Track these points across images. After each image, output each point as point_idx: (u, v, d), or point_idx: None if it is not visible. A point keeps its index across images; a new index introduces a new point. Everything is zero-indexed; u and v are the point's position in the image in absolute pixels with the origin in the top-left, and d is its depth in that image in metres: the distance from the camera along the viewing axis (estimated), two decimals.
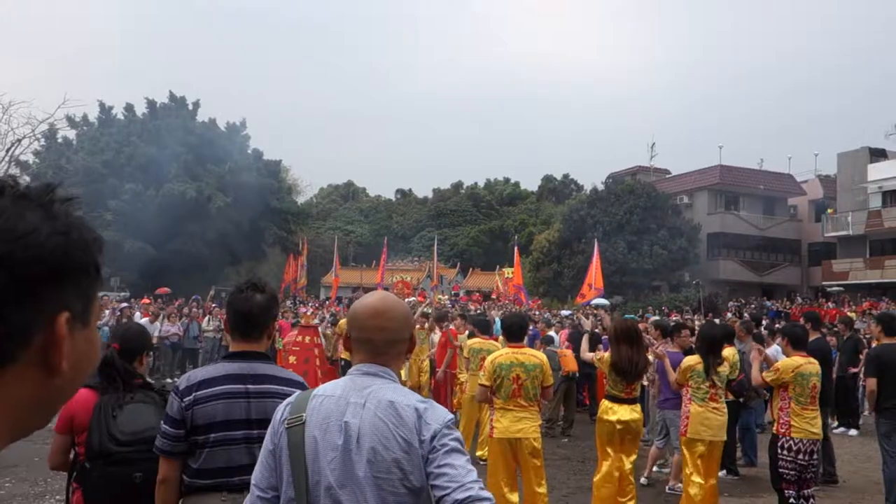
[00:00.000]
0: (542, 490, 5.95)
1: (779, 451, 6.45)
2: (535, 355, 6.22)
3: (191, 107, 45.30)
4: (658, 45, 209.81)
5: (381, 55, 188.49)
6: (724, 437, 6.76)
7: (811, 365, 6.52)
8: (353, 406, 2.03)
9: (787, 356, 6.60)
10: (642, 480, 8.12)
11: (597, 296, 25.52)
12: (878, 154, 40.80)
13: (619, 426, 6.26)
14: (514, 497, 5.96)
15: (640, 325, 15.58)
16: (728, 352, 7.47)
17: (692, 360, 6.81)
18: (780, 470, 6.48)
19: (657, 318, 17.56)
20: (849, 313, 28.08)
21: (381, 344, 2.13)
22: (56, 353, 0.82)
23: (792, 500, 6.42)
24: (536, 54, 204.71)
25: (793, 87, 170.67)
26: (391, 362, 2.15)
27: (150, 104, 44.09)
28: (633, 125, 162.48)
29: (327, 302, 36.99)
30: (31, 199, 0.83)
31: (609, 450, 6.31)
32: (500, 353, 6.22)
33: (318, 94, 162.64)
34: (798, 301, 37.78)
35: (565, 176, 77.23)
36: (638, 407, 6.50)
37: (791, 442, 6.41)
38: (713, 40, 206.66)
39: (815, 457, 6.49)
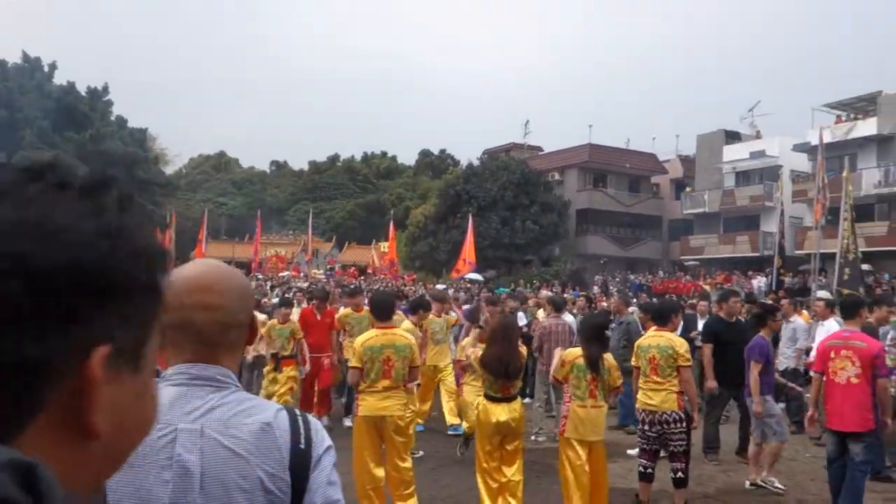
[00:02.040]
0: (406, 465, 6.11)
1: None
2: (404, 335, 6.32)
3: (46, 69, 42.50)
4: (536, 26, 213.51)
5: (258, 24, 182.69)
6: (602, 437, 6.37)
7: (651, 338, 6.84)
8: (185, 435, 1.44)
9: (646, 330, 7.01)
10: (747, 485, 7.59)
11: (470, 270, 25.99)
12: (733, 137, 43.35)
13: (497, 426, 6.00)
14: (380, 472, 6.07)
15: (532, 301, 15.74)
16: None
17: (574, 353, 6.29)
18: (638, 440, 6.88)
19: (550, 293, 18.05)
20: (704, 286, 29.90)
21: (210, 331, 1.52)
22: (87, 403, 0.59)
23: (640, 468, 6.76)
24: (417, 31, 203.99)
25: (659, 71, 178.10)
26: (225, 358, 1.55)
27: (0, 64, 41.06)
28: (508, 103, 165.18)
29: None
30: (76, 188, 0.61)
31: (488, 447, 6.05)
32: (370, 335, 6.24)
33: (190, 61, 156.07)
34: (660, 274, 39.85)
35: (442, 151, 77.69)
36: (517, 405, 6.14)
37: (638, 412, 6.82)
38: (589, 24, 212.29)
39: (661, 427, 6.51)
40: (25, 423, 0.56)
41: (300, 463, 1.48)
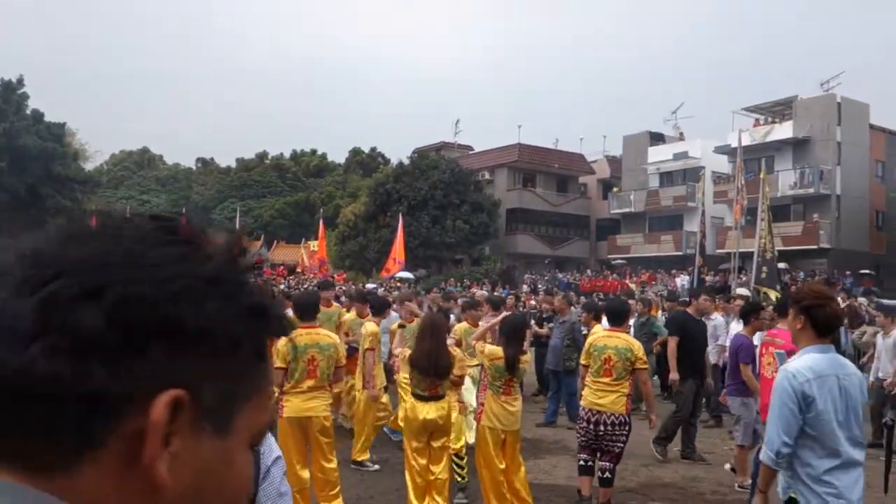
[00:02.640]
0: (332, 465, 6.04)
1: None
2: (329, 335, 6.25)
3: None
4: (466, 26, 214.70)
5: (182, 17, 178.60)
6: (519, 426, 6.43)
7: (607, 339, 6.76)
8: None
9: (588, 329, 7.08)
10: (737, 486, 7.59)
11: (400, 269, 25.94)
12: (657, 138, 44.44)
13: (425, 424, 5.98)
14: (306, 473, 5.99)
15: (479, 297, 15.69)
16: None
17: (494, 353, 6.27)
18: (577, 436, 6.93)
19: (485, 292, 18.11)
20: (630, 284, 30.57)
21: None
22: (149, 445, 0.55)
23: (581, 462, 6.83)
24: (348, 29, 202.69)
25: (586, 72, 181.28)
26: None
27: None
28: (439, 102, 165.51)
29: None
30: (179, 233, 0.61)
31: (416, 444, 6.03)
32: (294, 334, 6.16)
33: (111, 54, 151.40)
34: (587, 273, 40.55)
35: (373, 149, 77.32)
36: (445, 404, 6.11)
37: (582, 410, 6.82)
38: (518, 25, 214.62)
39: (604, 428, 6.51)
40: (82, 454, 0.54)
41: None
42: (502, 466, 6.14)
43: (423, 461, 6.01)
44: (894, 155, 36.40)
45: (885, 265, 34.71)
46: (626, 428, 6.58)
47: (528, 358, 6.40)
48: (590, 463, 6.72)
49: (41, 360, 0.53)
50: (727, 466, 8.10)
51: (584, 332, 9.74)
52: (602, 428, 6.50)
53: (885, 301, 12.84)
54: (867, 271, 31.59)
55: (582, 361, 6.98)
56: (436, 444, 6.06)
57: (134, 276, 0.56)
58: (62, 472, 0.54)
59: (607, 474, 6.55)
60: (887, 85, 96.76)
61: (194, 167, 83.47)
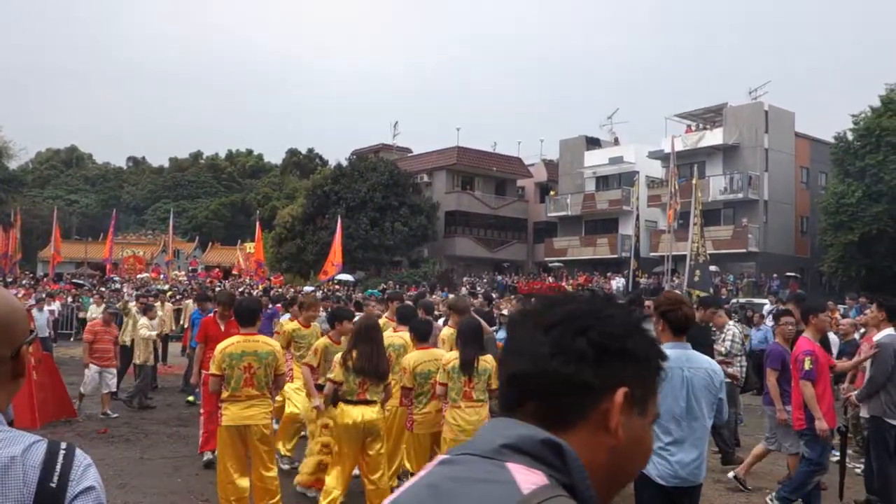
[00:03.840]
0: (272, 474, 5.94)
1: None
2: (267, 343, 6.13)
3: None
4: (404, 28, 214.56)
5: (114, 12, 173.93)
6: None
7: None
8: None
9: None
10: (730, 474, 7.81)
11: (337, 272, 25.75)
12: (593, 143, 45.15)
13: (357, 429, 5.82)
14: (245, 482, 5.87)
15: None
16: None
17: (450, 356, 6.14)
18: None
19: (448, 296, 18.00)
20: (566, 286, 31.00)
21: None
22: (613, 417, 1.03)
23: None
24: (284, 29, 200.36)
25: (524, 76, 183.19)
26: None
27: None
28: (378, 104, 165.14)
29: (44, 279, 33.68)
30: (614, 299, 1.19)
31: (347, 451, 5.89)
32: (230, 341, 6.04)
33: (36, 50, 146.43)
34: (525, 276, 40.95)
35: (310, 150, 76.66)
36: (376, 408, 5.96)
37: None
38: (454, 29, 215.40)
39: None
40: (574, 423, 1.04)
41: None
42: None
43: (349, 468, 5.90)
44: (818, 162, 37.76)
45: (810, 268, 36.00)
46: None
47: (491, 359, 6.12)
48: None
49: (558, 367, 1.03)
50: (730, 475, 7.98)
51: None
52: None
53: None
54: (793, 274, 32.71)
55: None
56: (371, 451, 5.92)
57: (602, 322, 1.06)
58: (562, 430, 1.02)
59: None
60: (812, 94, 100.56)
61: (125, 166, 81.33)
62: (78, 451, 1.43)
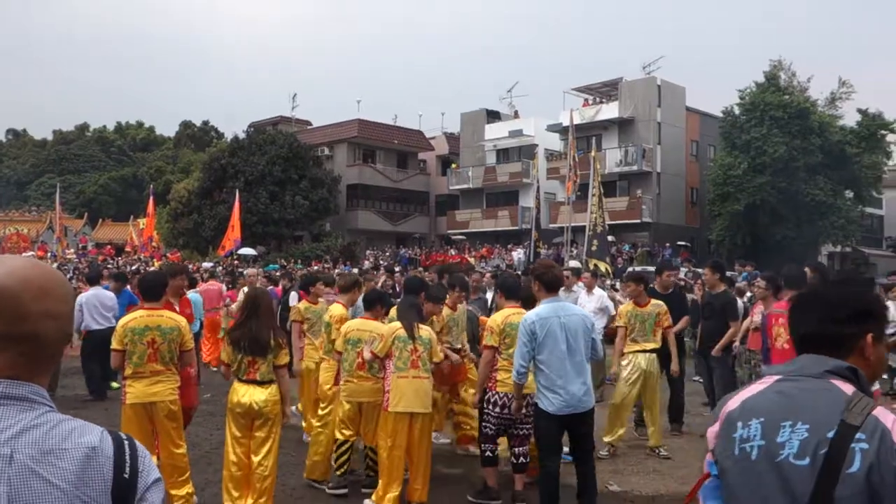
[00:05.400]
0: (181, 451, 5.80)
1: (485, 405, 6.26)
2: (172, 318, 5.97)
3: None
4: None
5: None
6: (430, 409, 6.06)
7: (517, 316, 6.06)
8: None
9: (501, 307, 6.45)
10: None
11: (236, 247, 25.20)
12: (494, 116, 45.59)
13: (244, 409, 5.59)
14: (153, 461, 5.71)
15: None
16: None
17: (394, 326, 6.13)
18: (483, 425, 6.34)
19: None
20: (469, 259, 31.35)
21: (52, 343, 1.36)
22: (868, 349, 1.87)
23: (488, 453, 6.32)
24: None
25: (425, 49, 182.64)
26: (42, 375, 1.37)
27: None
28: (275, 75, 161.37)
29: None
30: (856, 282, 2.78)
31: (237, 433, 5.66)
32: (133, 315, 5.85)
33: None
34: (428, 249, 41.17)
35: (205, 122, 74.51)
36: (272, 389, 5.65)
37: (496, 396, 6.17)
38: (359, 2, 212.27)
39: (522, 412, 6.05)
40: (850, 355, 1.87)
41: (122, 496, 1.31)
42: (403, 444, 5.91)
43: (241, 449, 5.63)
44: (707, 135, 39.37)
45: (699, 237, 37.67)
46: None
47: (430, 332, 6.08)
48: (496, 452, 6.37)
49: (838, 329, 1.90)
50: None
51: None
52: (524, 410, 5.99)
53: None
54: (683, 243, 34.19)
55: (491, 343, 6.18)
56: (259, 433, 5.65)
57: (854, 300, 1.96)
58: (845, 359, 1.86)
59: (522, 459, 6.23)
60: (701, 68, 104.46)
61: (4, 139, 76.82)
62: (137, 442, 1.40)
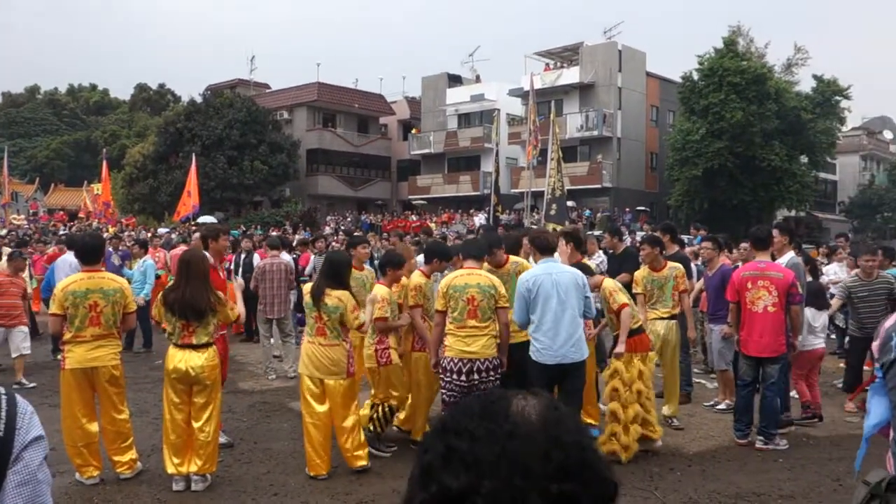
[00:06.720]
0: (123, 416, 5.69)
1: (441, 372, 6.15)
2: (114, 279, 5.82)
3: None
4: None
5: None
6: (343, 377, 5.84)
7: (465, 277, 6.02)
8: None
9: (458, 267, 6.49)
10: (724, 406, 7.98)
11: (193, 212, 24.73)
12: (456, 80, 45.19)
13: (179, 375, 5.47)
14: (94, 427, 5.56)
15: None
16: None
17: (305, 288, 6.12)
18: (442, 392, 6.19)
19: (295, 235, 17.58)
20: (430, 224, 31.26)
21: None
22: None
23: None
24: None
25: (385, 11, 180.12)
26: None
27: None
28: (232, 37, 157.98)
29: None
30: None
31: (175, 399, 5.52)
32: (73, 278, 5.69)
33: None
34: (389, 214, 40.94)
35: (161, 85, 72.73)
36: (209, 353, 5.54)
37: (445, 361, 6.06)
38: None
39: (477, 376, 5.92)
40: None
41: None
42: (321, 409, 5.80)
43: (179, 416, 5.51)
44: (666, 101, 39.53)
45: (658, 202, 37.99)
46: (498, 371, 6.04)
47: (345, 296, 5.82)
48: None
49: None
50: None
51: None
52: (476, 376, 5.91)
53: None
54: (643, 208, 34.45)
55: (438, 307, 6.10)
56: (198, 399, 5.54)
57: None
58: None
59: None
60: (661, 32, 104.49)
61: None
62: (20, 398, 1.30)
